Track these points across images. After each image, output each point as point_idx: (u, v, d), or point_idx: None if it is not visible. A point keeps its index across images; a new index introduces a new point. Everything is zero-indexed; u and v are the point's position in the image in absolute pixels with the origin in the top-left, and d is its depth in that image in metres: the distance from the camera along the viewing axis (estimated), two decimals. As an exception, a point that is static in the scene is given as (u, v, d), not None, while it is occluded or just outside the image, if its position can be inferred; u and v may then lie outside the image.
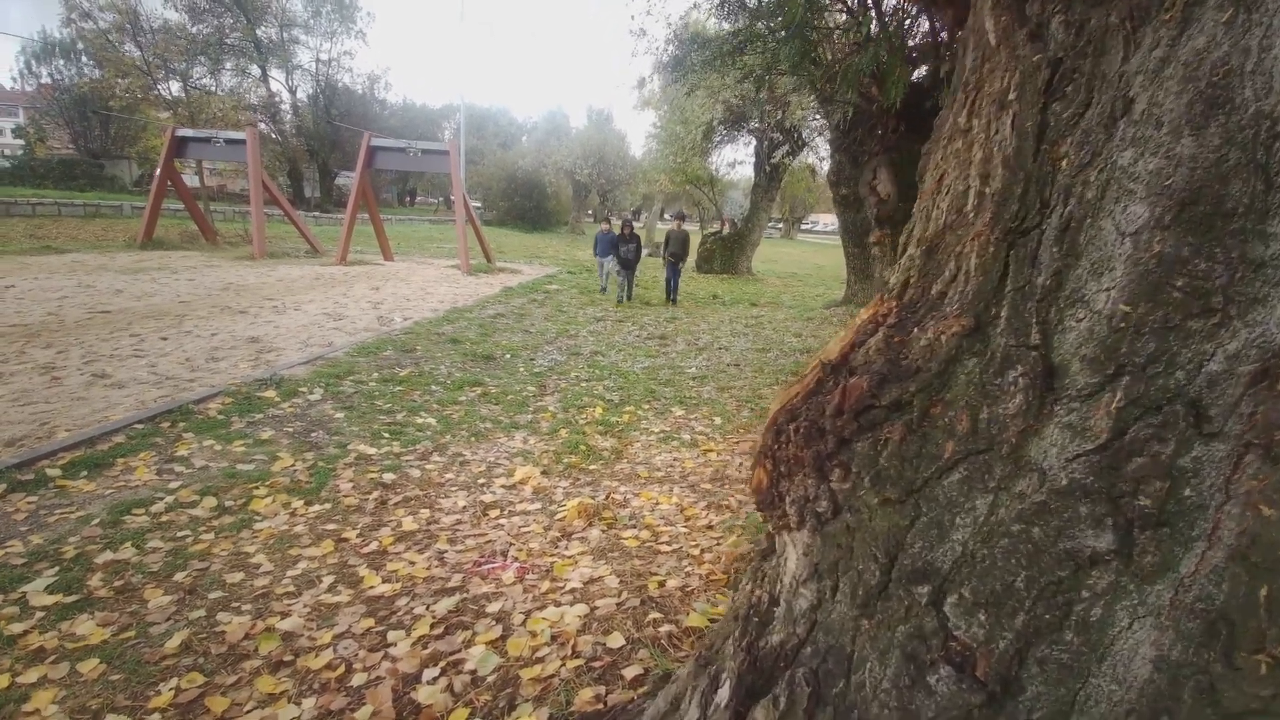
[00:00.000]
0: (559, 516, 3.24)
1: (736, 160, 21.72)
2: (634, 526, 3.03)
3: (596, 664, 1.80)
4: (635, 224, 11.55)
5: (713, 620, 1.95)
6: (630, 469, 3.96)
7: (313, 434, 4.28)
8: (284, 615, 2.38)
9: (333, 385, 5.23)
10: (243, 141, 13.98)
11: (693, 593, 2.20)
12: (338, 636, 2.24)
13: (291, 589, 2.57)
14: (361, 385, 5.34)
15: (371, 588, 2.57)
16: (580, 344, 7.50)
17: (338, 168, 38.88)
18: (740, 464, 4.02)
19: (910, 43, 5.41)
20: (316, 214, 31.52)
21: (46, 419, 4.14)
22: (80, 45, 29.19)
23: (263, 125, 35.34)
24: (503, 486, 3.67)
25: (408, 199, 55.11)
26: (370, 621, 2.31)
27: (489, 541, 2.99)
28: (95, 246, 14.22)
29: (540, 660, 1.89)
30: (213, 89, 31.29)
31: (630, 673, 1.74)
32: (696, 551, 2.57)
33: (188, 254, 13.90)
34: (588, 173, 32.93)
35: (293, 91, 36.90)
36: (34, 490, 3.29)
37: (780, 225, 54.13)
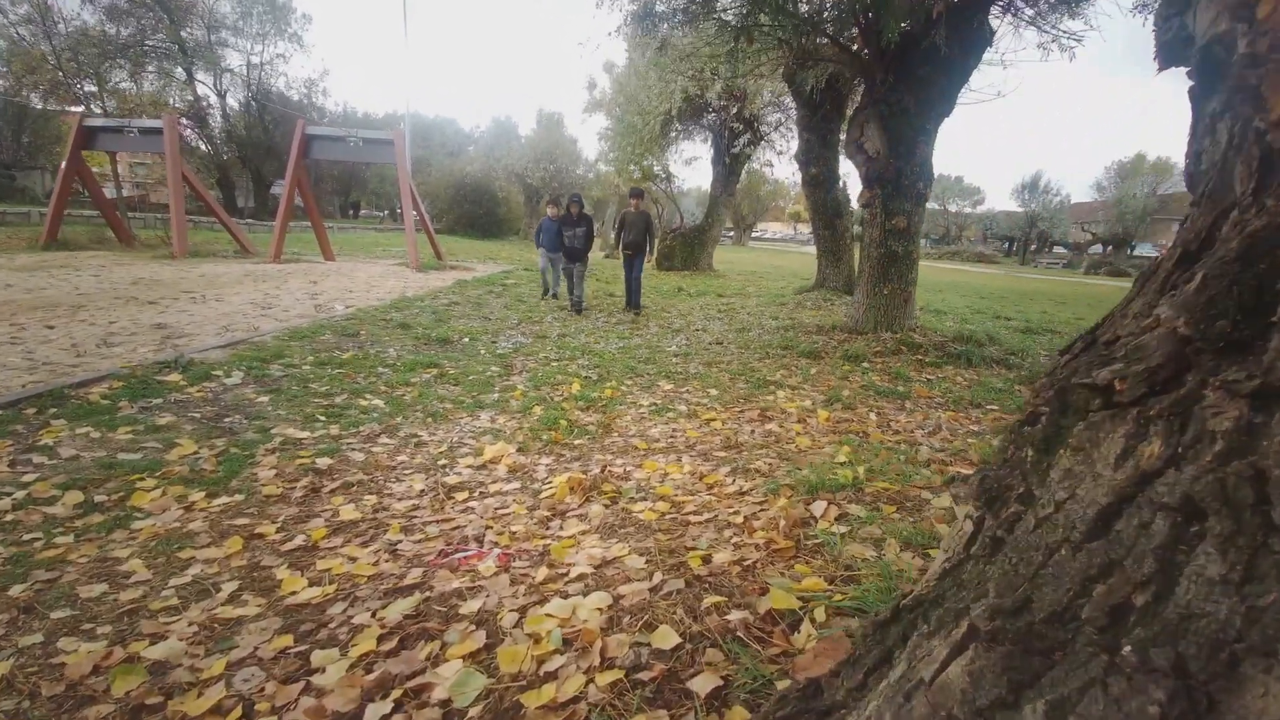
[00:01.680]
0: (545, 494, 2.56)
1: (694, 157, 21.36)
2: (645, 499, 2.37)
3: (644, 676, 1.15)
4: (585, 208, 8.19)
5: (806, 599, 1.33)
6: (624, 442, 3.30)
7: (226, 419, 3.46)
8: (157, 639, 1.62)
9: (257, 369, 4.39)
10: (159, 131, 12.69)
11: (756, 567, 1.57)
12: (235, 665, 1.50)
13: (174, 602, 1.81)
14: (293, 369, 4.51)
15: (292, 594, 1.83)
16: (546, 329, 6.80)
17: (273, 176, 36.83)
18: (752, 431, 3.42)
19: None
20: (250, 222, 29.62)
21: None
22: None
23: (189, 131, 33.26)
24: (470, 467, 2.96)
25: (351, 210, 52.95)
26: (287, 639, 1.59)
27: (457, 528, 2.29)
28: (-10, 251, 12.65)
29: (552, 676, 1.22)
30: (133, 90, 29.15)
31: (703, 685, 1.10)
32: (739, 519, 1.95)
33: (97, 254, 12.47)
34: (540, 175, 32.17)
35: (222, 96, 34.89)
36: None
37: (732, 233, 54.56)
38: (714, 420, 3.64)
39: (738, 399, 4.20)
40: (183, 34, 31.53)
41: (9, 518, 2.28)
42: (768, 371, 5.01)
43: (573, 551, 1.87)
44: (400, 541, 2.17)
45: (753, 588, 1.45)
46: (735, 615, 1.32)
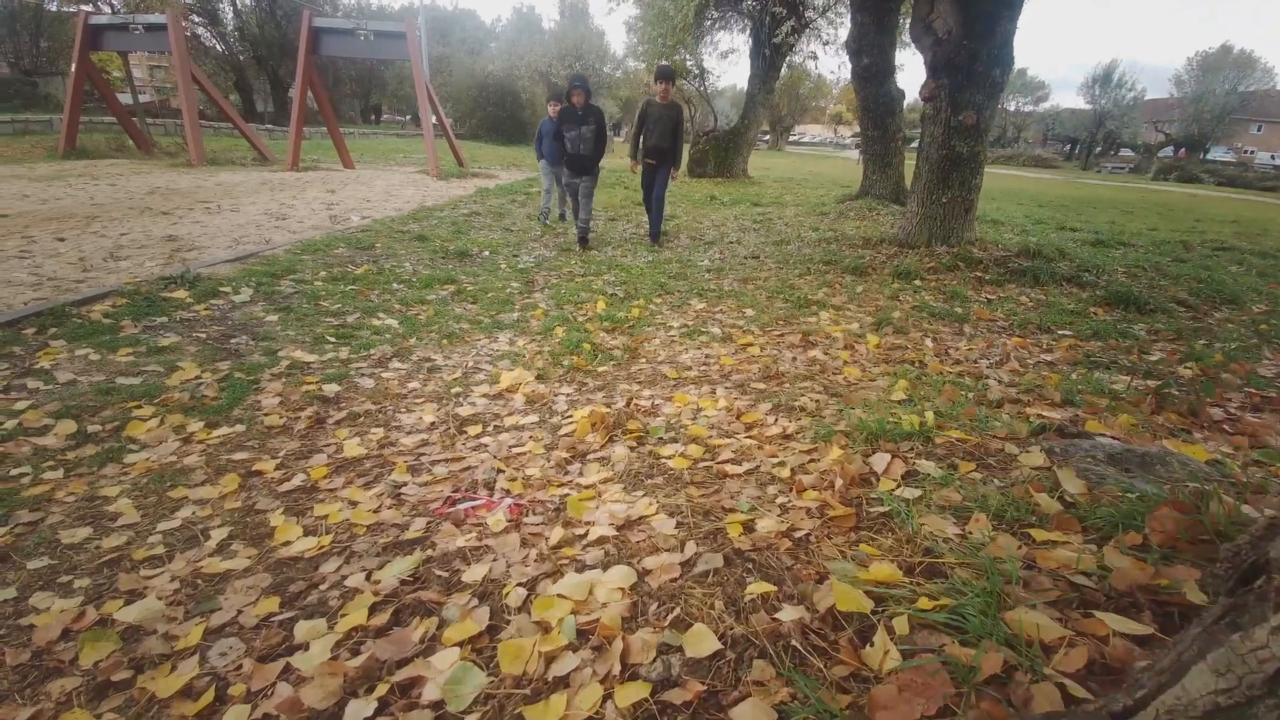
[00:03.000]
0: (565, 431, 2.33)
1: (731, 50, 19.57)
2: (675, 440, 2.12)
3: (675, 697, 0.92)
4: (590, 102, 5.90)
5: (877, 596, 1.07)
6: (652, 369, 3.03)
7: (233, 339, 3.27)
8: (135, 596, 1.47)
9: (267, 285, 4.17)
10: (164, 27, 11.99)
11: (809, 540, 1.31)
12: (214, 633, 1.34)
13: (159, 550, 1.66)
14: (304, 285, 4.29)
15: (285, 544, 1.66)
16: (571, 240, 6.40)
17: (290, 78, 35.39)
18: (794, 359, 3.10)
19: None
20: (270, 128, 28.86)
21: None
22: None
23: (202, 30, 31.87)
24: (485, 396, 2.73)
25: (372, 115, 51.21)
26: (273, 603, 1.41)
27: (467, 469, 2.08)
28: (16, 160, 12.45)
29: (563, 682, 1.01)
30: (139, -15, 27.67)
31: (746, 717, 0.86)
32: (785, 472, 1.68)
33: (116, 162, 12.23)
34: (566, 74, 30.27)
35: (230, -13, 32.99)
36: None
37: (768, 136, 51.45)
38: (751, 345, 3.32)
39: (776, 321, 3.85)
40: (184, -83, 29.44)
41: (-3, 449, 2.15)
42: (809, 289, 4.60)
43: (592, 507, 1.64)
44: (405, 484, 1.98)
45: (807, 572, 1.20)
46: (788, 613, 1.07)
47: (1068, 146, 56.23)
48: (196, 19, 31.09)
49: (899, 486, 1.48)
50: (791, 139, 65.71)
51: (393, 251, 5.43)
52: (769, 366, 2.95)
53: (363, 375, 2.92)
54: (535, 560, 1.43)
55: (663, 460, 1.93)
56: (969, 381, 2.60)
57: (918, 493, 1.42)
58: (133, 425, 2.32)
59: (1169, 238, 8.11)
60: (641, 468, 1.92)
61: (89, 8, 19.93)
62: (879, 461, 1.59)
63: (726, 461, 1.83)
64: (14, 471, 2.03)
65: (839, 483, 1.48)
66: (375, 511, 1.81)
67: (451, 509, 1.77)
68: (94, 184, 8.92)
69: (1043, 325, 3.73)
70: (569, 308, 4.10)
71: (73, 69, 12.74)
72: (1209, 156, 46.04)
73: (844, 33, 15.41)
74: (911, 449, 1.68)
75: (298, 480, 2.00)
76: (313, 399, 2.64)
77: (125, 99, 17.23)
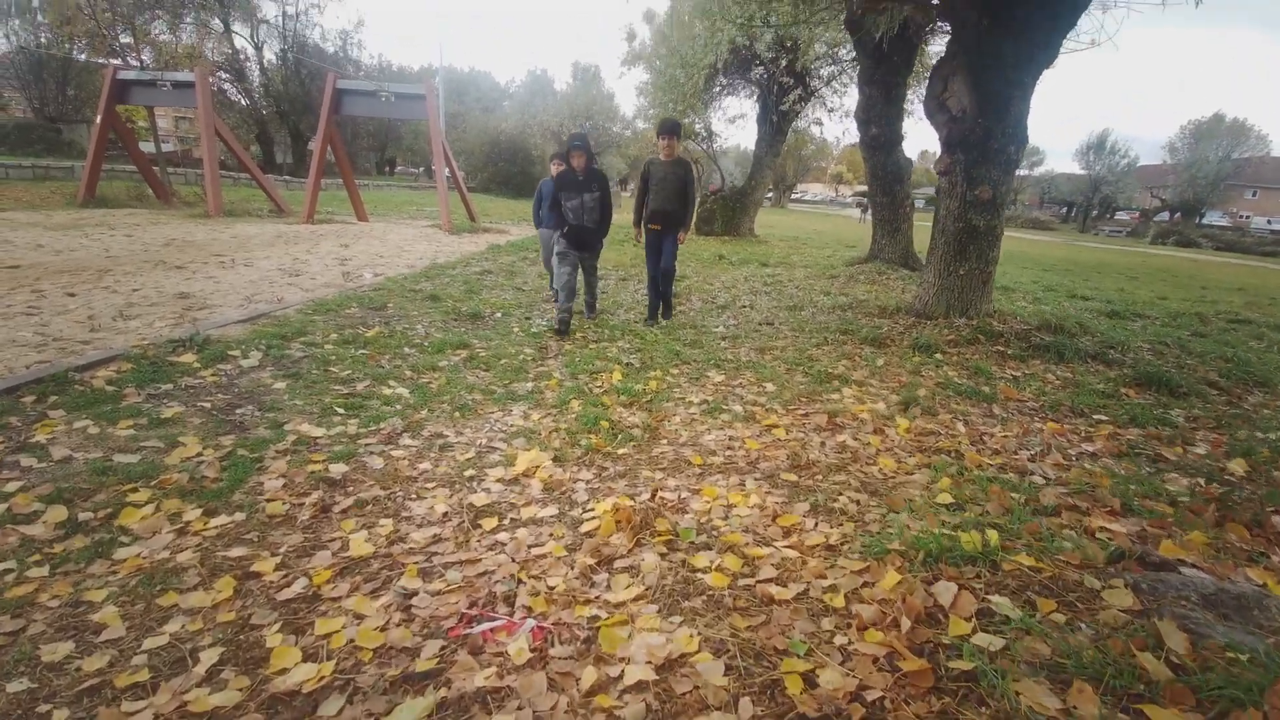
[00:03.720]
0: (587, 529, 2.17)
1: (739, 115, 20.20)
2: (709, 547, 1.96)
3: None
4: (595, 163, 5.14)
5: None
6: (674, 453, 2.89)
7: (238, 410, 3.15)
8: (109, 741, 1.30)
9: (276, 348, 4.08)
10: (191, 84, 12.40)
11: (884, 706, 1.14)
12: (196, 798, 1.16)
13: (143, 676, 1.49)
14: (314, 348, 4.20)
15: (282, 672, 1.49)
16: (582, 302, 6.36)
17: (310, 132, 36.62)
18: (823, 443, 2.96)
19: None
20: (288, 179, 29.65)
21: None
22: (35, 2, 26.77)
23: (229, 86, 33.15)
24: (500, 481, 2.59)
25: (387, 168, 52.78)
26: (265, 758, 1.24)
27: (484, 574, 1.92)
28: (35, 207, 12.67)
29: None
30: (172, 43, 28.98)
31: None
32: (838, 600, 1.52)
33: (134, 212, 12.42)
34: (576, 132, 31.27)
35: (258, 48, 34.54)
36: None
37: (771, 194, 52.73)
38: (776, 427, 3.19)
39: (798, 397, 3.73)
40: (218, -17, 31.08)
41: (-19, 540, 2.00)
42: (828, 362, 4.50)
43: (625, 636, 1.48)
44: (416, 592, 1.81)
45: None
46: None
47: (1064, 209, 57.39)
48: (224, 75, 32.38)
49: (973, 629, 1.32)
50: (794, 197, 67.41)
51: (405, 312, 5.38)
52: (797, 453, 2.81)
53: (371, 453, 2.79)
54: (565, 712, 1.26)
55: (698, 575, 1.77)
56: (1014, 479, 2.45)
57: (1000, 642, 1.26)
58: (126, 513, 2.17)
59: (1182, 308, 8.07)
60: (675, 583, 1.76)
61: (117, 62, 20.77)
62: (944, 593, 1.43)
63: (769, 580, 1.67)
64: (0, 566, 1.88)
65: (904, 621, 1.33)
66: (383, 630, 1.64)
67: (468, 630, 1.60)
68: (110, 234, 9.01)
69: (1075, 408, 3.60)
70: (584, 377, 4.00)
71: (98, 120, 13.12)
72: (1205, 221, 46.87)
73: (848, 100, 15.95)
74: (977, 576, 1.53)
75: (298, 586, 1.84)
76: (318, 481, 2.50)
77: (149, 148, 17.71)
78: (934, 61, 11.10)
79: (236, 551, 2.02)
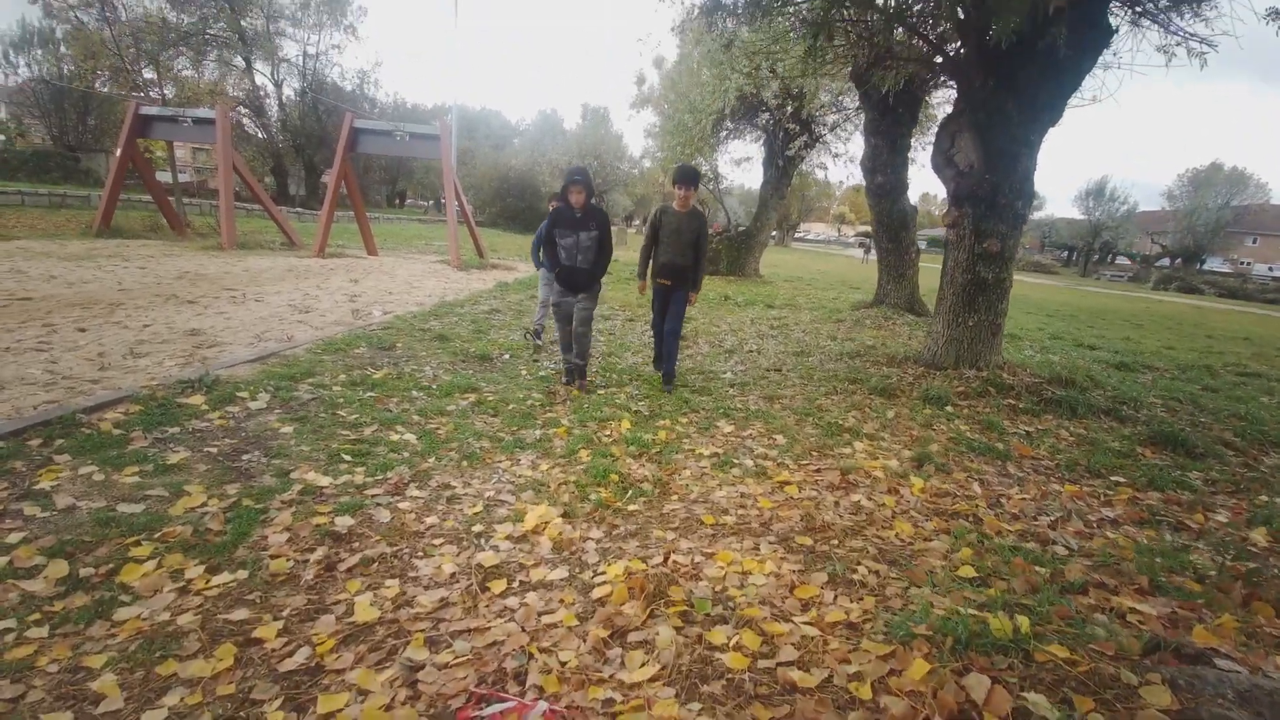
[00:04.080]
0: (598, 595, 2.12)
1: (745, 158, 20.65)
2: (725, 620, 1.90)
3: None
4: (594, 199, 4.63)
5: None
6: (686, 511, 2.83)
7: (244, 455, 3.12)
8: (101, 835, 1.23)
9: (285, 390, 4.06)
10: (212, 121, 12.72)
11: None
12: None
13: (138, 758, 1.43)
14: (323, 389, 4.19)
15: (283, 757, 1.43)
16: (591, 343, 6.36)
17: (324, 165, 37.45)
18: (837, 503, 2.91)
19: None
20: (300, 210, 30.19)
21: None
22: (59, 34, 27.74)
23: (247, 120, 34.04)
24: (508, 538, 2.54)
25: (398, 200, 53.80)
26: None
27: (492, 644, 1.86)
28: (50, 236, 12.85)
29: None
30: (195, 79, 29.90)
31: None
32: (865, 691, 1.46)
33: (148, 243, 12.60)
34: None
35: (278, 85, 35.59)
36: None
37: (775, 233, 53.47)
38: (788, 484, 3.14)
39: (810, 451, 3.69)
40: (243, 23, 32.21)
41: (-20, 596, 1.95)
42: (838, 412, 4.47)
43: (643, 725, 1.41)
44: (423, 664, 1.75)
45: None
46: None
47: (1065, 253, 57.95)
48: (243, 109, 33.28)
49: (1009, 730, 1.27)
50: (797, 235, 68.30)
51: (413, 353, 5.38)
52: (811, 514, 2.76)
53: (378, 505, 2.74)
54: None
55: (716, 654, 1.71)
56: (1036, 549, 2.39)
57: (1038, 747, 1.20)
58: (128, 569, 2.12)
59: (1189, 359, 8.05)
60: (692, 661, 1.70)
61: (140, 96, 21.38)
62: (977, 687, 1.37)
63: (791, 664, 1.61)
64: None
65: (937, 719, 1.27)
66: (388, 709, 1.58)
67: (478, 712, 1.54)
68: (124, 266, 9.11)
69: (1092, 468, 3.55)
70: (592, 425, 3.96)
71: (117, 153, 13.41)
72: (1206, 267, 47.24)
73: (853, 147, 16.26)
74: (1010, 668, 1.47)
75: (301, 655, 1.78)
76: (324, 535, 2.46)
77: (165, 178, 18.08)
78: (938, 112, 11.38)
79: (238, 614, 1.97)
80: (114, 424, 3.24)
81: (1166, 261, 49.14)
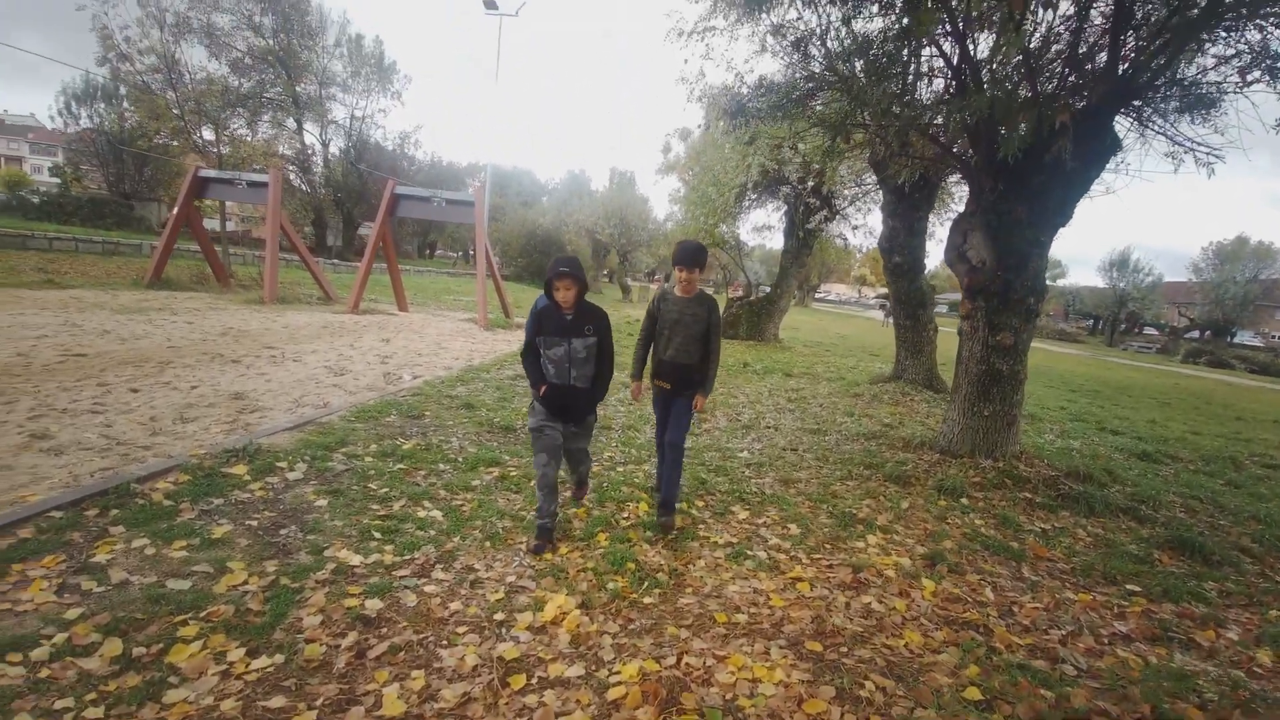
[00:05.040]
0: (613, 696, 2.21)
1: (766, 226, 21.25)
2: (735, 734, 1.98)
3: None
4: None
5: None
6: (699, 606, 2.92)
7: (282, 530, 3.30)
8: None
9: (320, 459, 4.28)
10: (265, 184, 13.59)
11: None
12: None
13: None
14: (355, 459, 4.39)
15: None
16: (609, 415, 6.54)
17: (362, 218, 39.27)
18: (848, 604, 2.98)
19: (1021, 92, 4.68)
20: (336, 262, 31.48)
21: (-58, 497, 3.20)
22: (122, 90, 29.95)
23: (294, 176, 35.99)
24: (529, 630, 2.65)
25: (427, 251, 55.82)
26: None
27: (512, 746, 1.96)
28: (102, 284, 13.60)
29: None
30: (249, 138, 31.95)
31: None
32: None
33: (195, 295, 13.27)
34: (609, 232, 32.90)
35: (325, 144, 37.73)
36: (-119, 612, 2.32)
37: (796, 294, 54.02)
38: (800, 580, 3.21)
39: (823, 543, 3.76)
40: (297, 88, 34.56)
41: (44, 672, 2.11)
42: (852, 500, 4.54)
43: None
44: (447, 766, 1.86)
45: None
46: None
47: (1090, 322, 57.52)
48: (290, 167, 35.25)
49: None
50: (817, 296, 68.90)
51: (441, 422, 5.60)
52: (821, 616, 2.83)
53: (405, 588, 2.88)
54: None
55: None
56: (1044, 668, 2.44)
57: None
58: (176, 650, 2.27)
59: (1215, 447, 7.95)
60: (702, 778, 1.78)
61: (198, 154, 22.90)
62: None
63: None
64: (58, 705, 1.98)
65: None
66: (415, 811, 1.68)
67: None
68: (172, 320, 9.62)
69: (1108, 573, 3.56)
70: (610, 506, 4.09)
71: (174, 212, 14.31)
72: (1236, 340, 46.47)
73: (873, 220, 16.68)
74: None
75: (335, 750, 1.90)
76: (355, 619, 2.59)
77: (209, 223, 19.13)
78: (957, 194, 11.74)
79: (276, 702, 2.09)
80: (165, 494, 3.46)
81: (1196, 333, 48.47)
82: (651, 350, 3.94)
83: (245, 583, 2.76)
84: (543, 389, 3.44)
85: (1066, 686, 2.29)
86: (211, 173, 14.37)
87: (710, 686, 2.26)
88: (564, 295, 3.34)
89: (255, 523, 3.34)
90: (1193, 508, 4.89)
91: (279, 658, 2.31)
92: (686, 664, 2.40)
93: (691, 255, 3.71)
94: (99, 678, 2.13)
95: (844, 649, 2.55)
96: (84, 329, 8.14)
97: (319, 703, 2.11)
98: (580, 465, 3.88)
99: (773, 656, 2.48)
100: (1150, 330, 54.47)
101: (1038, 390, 12.62)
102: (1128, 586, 3.42)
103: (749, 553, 3.54)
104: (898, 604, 3.00)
